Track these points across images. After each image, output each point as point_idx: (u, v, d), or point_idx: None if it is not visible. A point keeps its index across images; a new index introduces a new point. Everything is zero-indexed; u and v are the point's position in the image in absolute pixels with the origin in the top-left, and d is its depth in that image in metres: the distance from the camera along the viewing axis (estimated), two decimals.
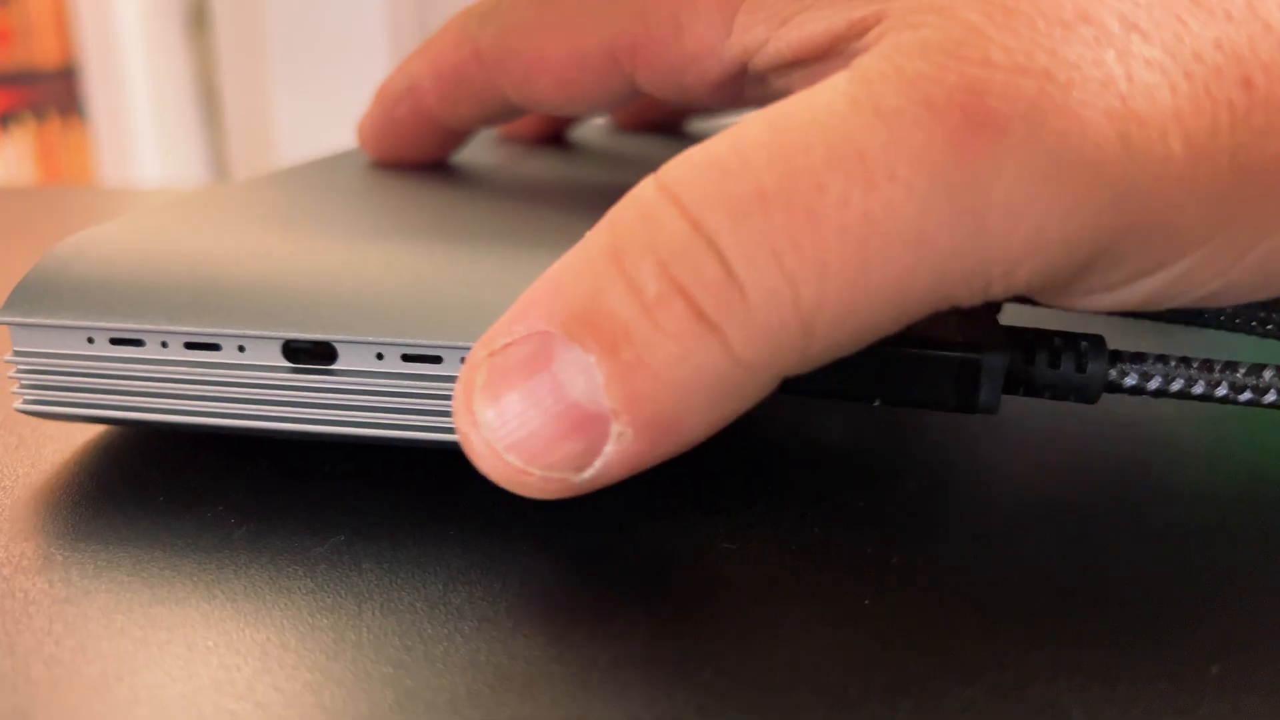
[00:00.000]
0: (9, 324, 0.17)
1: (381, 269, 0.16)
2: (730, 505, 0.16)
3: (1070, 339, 0.16)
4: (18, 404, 0.17)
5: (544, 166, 0.25)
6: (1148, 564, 0.15)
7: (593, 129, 0.31)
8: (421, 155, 0.24)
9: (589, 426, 0.13)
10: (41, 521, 0.16)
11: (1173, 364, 0.16)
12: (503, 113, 0.22)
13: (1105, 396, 0.16)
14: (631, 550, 0.15)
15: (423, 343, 0.16)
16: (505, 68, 0.20)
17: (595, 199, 0.20)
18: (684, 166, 0.13)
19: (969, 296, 0.13)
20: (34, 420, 0.20)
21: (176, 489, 0.17)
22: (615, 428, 0.13)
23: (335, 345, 0.16)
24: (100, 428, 0.19)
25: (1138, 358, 0.16)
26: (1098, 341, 0.16)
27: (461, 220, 0.19)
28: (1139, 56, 0.12)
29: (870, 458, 0.18)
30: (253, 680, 0.12)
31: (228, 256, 0.17)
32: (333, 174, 0.24)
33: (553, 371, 0.13)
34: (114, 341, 0.17)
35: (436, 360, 0.16)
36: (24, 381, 0.17)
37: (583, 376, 0.13)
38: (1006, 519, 0.16)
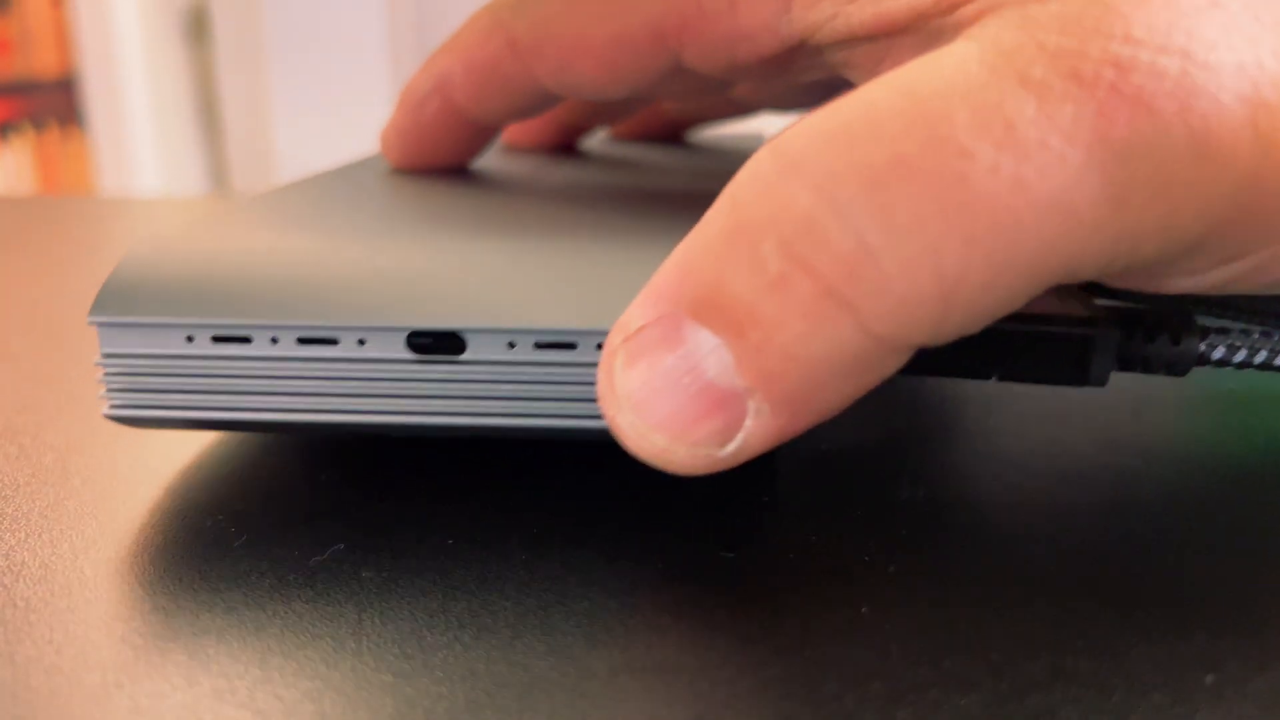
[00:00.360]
0: (101, 324, 0.16)
1: (507, 257, 0.16)
2: (728, 515, 0.16)
3: (1161, 315, 0.16)
4: (105, 409, 0.16)
5: (595, 169, 0.25)
6: (1143, 572, 0.15)
7: (598, 141, 0.32)
8: (448, 156, 0.24)
9: (726, 404, 0.13)
10: (41, 530, 0.16)
11: (1256, 336, 0.16)
12: (535, 104, 0.22)
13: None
14: (628, 560, 0.15)
15: (558, 328, 0.15)
16: (542, 54, 0.20)
17: (668, 194, 0.20)
18: (805, 137, 0.13)
19: (1093, 271, 0.13)
20: (33, 428, 0.20)
21: (175, 499, 0.17)
22: (752, 404, 0.13)
23: (465, 335, 0.16)
24: (99, 433, 0.19)
25: (1223, 331, 0.16)
26: (1187, 317, 0.16)
27: (555, 214, 0.19)
28: (1266, 45, 0.13)
29: (867, 466, 0.18)
30: (253, 689, 0.12)
31: (338, 248, 0.16)
32: (387, 176, 0.24)
33: (686, 352, 0.13)
34: (217, 339, 0.16)
35: (571, 346, 0.15)
36: (113, 385, 0.16)
37: (714, 357, 0.13)
38: (1003, 528, 0.16)
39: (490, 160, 0.26)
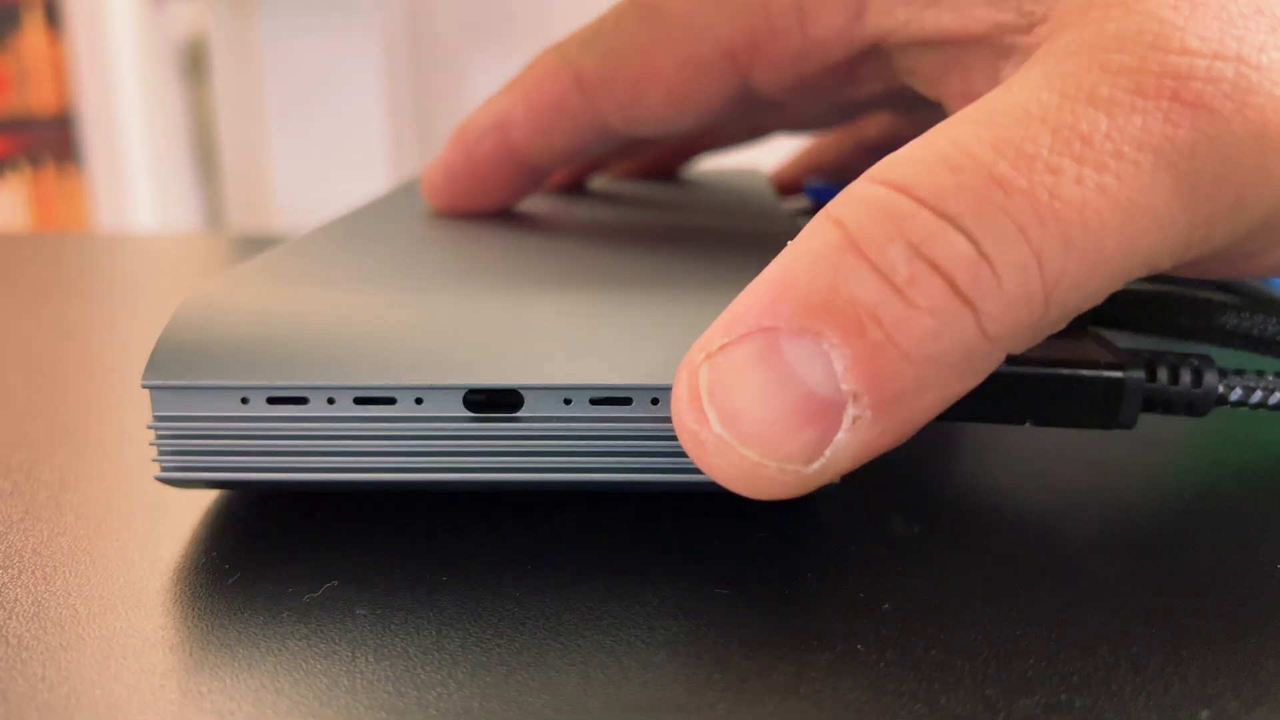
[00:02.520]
0: (155, 389, 0.16)
1: (560, 312, 0.16)
2: (723, 551, 0.16)
3: (1180, 356, 0.17)
4: (157, 473, 0.16)
5: (619, 209, 0.25)
6: (1137, 608, 0.15)
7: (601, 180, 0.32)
8: (493, 199, 0.24)
9: (823, 414, 0.13)
10: (34, 567, 0.16)
11: (1270, 378, 0.17)
12: (594, 144, 0.22)
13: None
14: (623, 597, 0.15)
15: (614, 385, 0.15)
16: (611, 89, 0.21)
17: (699, 235, 0.20)
18: (909, 165, 0.14)
19: (1169, 260, 0.14)
20: (27, 464, 0.20)
21: (168, 535, 0.17)
22: (851, 411, 0.13)
23: (522, 392, 0.16)
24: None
25: (1239, 373, 0.17)
26: (1206, 358, 0.17)
27: (599, 261, 0.19)
28: None
29: (860, 502, 0.18)
30: None
31: (391, 305, 0.16)
32: (427, 217, 0.24)
33: (785, 362, 0.13)
34: (272, 400, 0.16)
35: (626, 402, 0.16)
36: (164, 449, 0.16)
37: (819, 363, 0.13)
38: (996, 562, 0.16)
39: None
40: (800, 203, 0.31)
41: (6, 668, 0.13)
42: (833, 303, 0.13)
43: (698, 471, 0.16)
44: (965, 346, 0.13)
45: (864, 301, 0.13)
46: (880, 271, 0.13)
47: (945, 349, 0.13)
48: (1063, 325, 0.14)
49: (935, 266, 0.13)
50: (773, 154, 0.36)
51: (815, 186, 0.30)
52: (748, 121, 0.31)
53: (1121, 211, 0.13)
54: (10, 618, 0.14)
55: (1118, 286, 0.14)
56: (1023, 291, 0.13)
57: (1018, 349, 0.14)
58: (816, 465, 0.13)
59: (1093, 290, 0.14)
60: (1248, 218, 0.14)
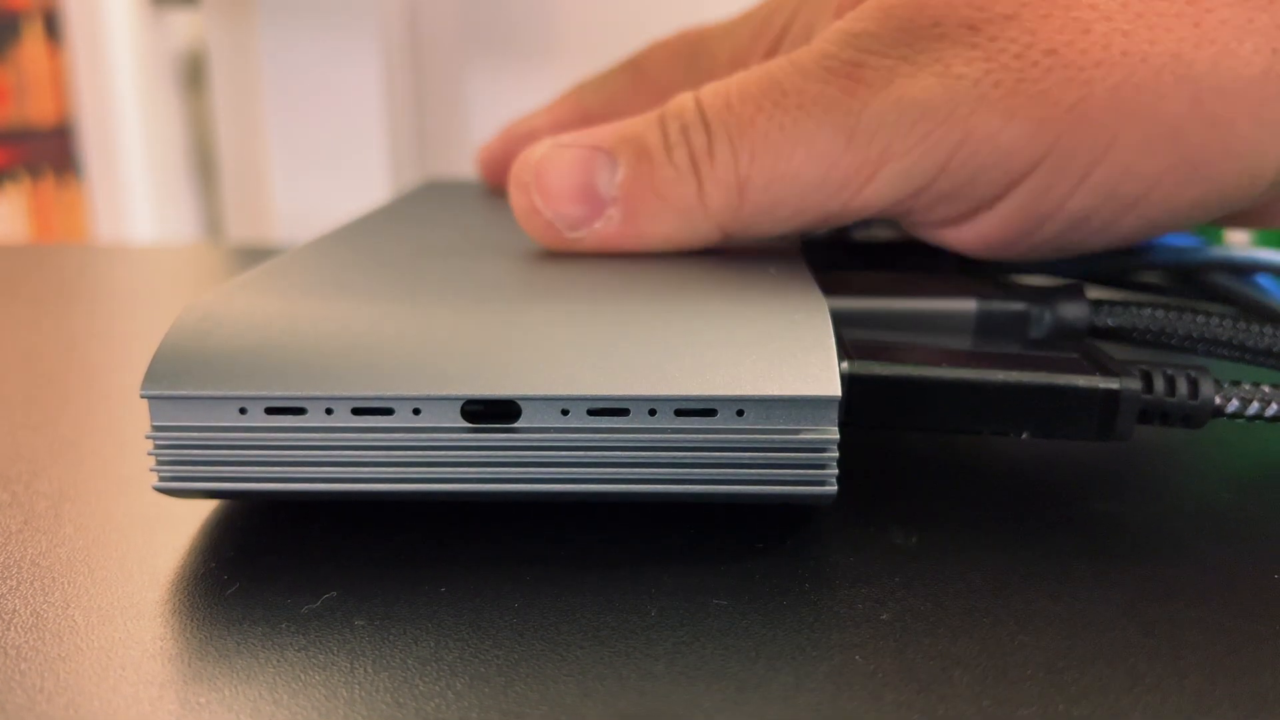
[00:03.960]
0: (153, 399, 0.16)
1: (557, 324, 0.16)
2: (722, 562, 0.16)
3: (1177, 367, 0.17)
4: (155, 483, 0.16)
5: None
6: (1135, 618, 0.15)
7: None
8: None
9: (593, 203, 0.20)
10: (32, 578, 0.16)
11: (1268, 389, 0.17)
12: None
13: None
14: (622, 608, 0.15)
15: (611, 395, 0.16)
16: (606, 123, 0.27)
17: (717, 253, 0.21)
18: (710, 89, 0.20)
19: (837, 192, 0.19)
20: (26, 476, 0.20)
21: (167, 546, 0.17)
22: (610, 212, 0.20)
23: (521, 403, 0.16)
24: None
25: (1236, 384, 0.17)
26: (1203, 369, 0.17)
27: (595, 272, 0.19)
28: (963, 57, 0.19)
29: (858, 513, 0.18)
30: None
31: (389, 315, 0.16)
32: (428, 225, 0.24)
33: (590, 165, 0.20)
34: (270, 411, 0.16)
35: (624, 413, 0.16)
36: (163, 459, 0.16)
37: (607, 172, 0.20)
38: (993, 573, 0.16)
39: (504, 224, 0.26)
40: None
41: (5, 678, 0.13)
42: (634, 141, 0.20)
43: (695, 482, 0.16)
44: (688, 202, 0.20)
45: (649, 147, 0.20)
46: (667, 136, 0.20)
47: (677, 196, 0.20)
48: (770, 229, 0.20)
49: (689, 146, 0.20)
50: None
51: None
52: None
53: (793, 142, 0.19)
54: (9, 628, 0.14)
55: (806, 209, 0.19)
56: (726, 179, 0.19)
57: (727, 225, 0.20)
58: (574, 234, 0.20)
59: (774, 199, 0.19)
60: (905, 178, 0.19)
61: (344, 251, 0.21)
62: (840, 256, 0.25)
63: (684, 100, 0.20)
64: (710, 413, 0.16)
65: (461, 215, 0.27)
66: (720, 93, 0.20)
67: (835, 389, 0.15)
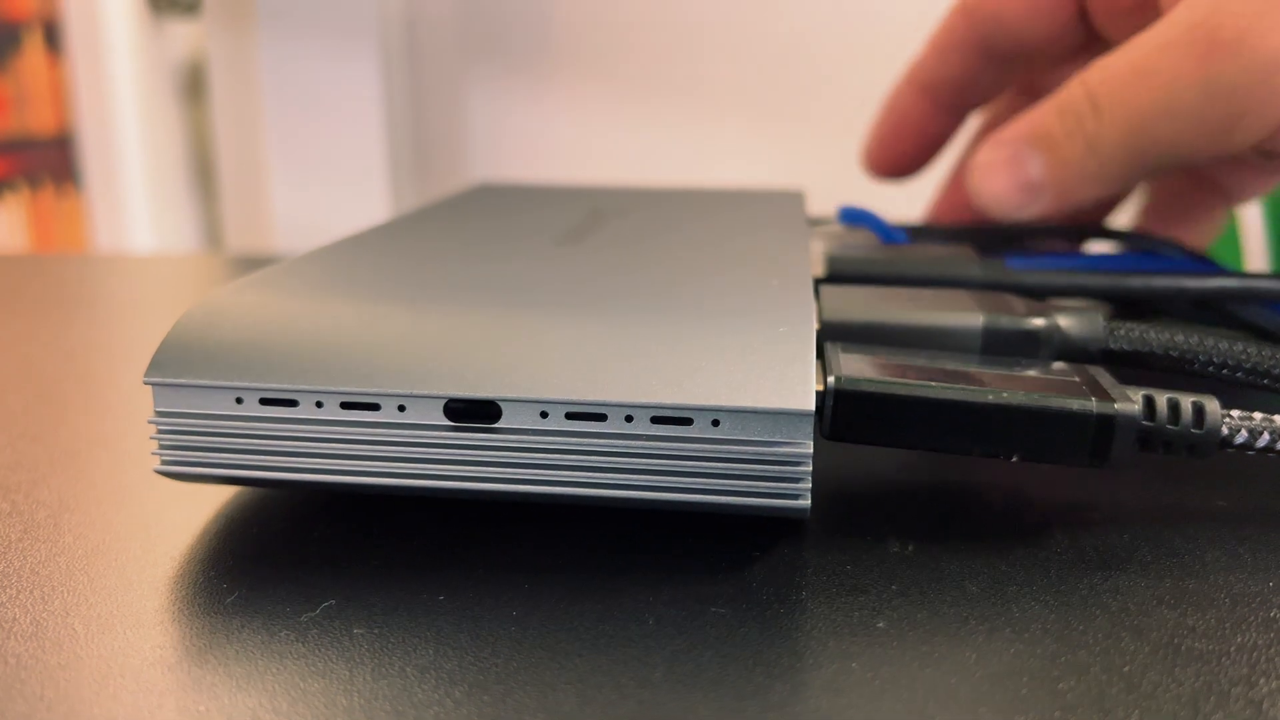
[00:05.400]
0: (155, 385, 0.17)
1: (541, 328, 0.16)
2: (719, 571, 0.16)
3: (1183, 394, 0.17)
4: (156, 465, 0.17)
5: (631, 228, 0.26)
6: (1134, 630, 0.15)
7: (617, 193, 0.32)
8: (916, 144, 0.33)
9: (1027, 187, 0.26)
10: (32, 587, 0.16)
11: (1279, 420, 0.17)
12: (979, 66, 0.31)
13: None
14: (620, 617, 0.15)
15: (589, 401, 0.16)
16: (984, 9, 0.30)
17: (713, 261, 0.21)
18: (1095, 69, 0.25)
19: (1190, 135, 0.23)
20: (26, 485, 0.20)
21: (166, 554, 0.17)
22: (1041, 195, 0.26)
23: (501, 404, 0.16)
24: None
25: (1247, 415, 0.17)
26: (1210, 397, 0.17)
27: (587, 279, 0.20)
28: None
29: (855, 522, 0.18)
30: None
31: (381, 316, 0.17)
32: (433, 235, 0.24)
33: (1021, 159, 0.26)
34: (264, 402, 0.16)
35: (601, 418, 0.16)
36: (164, 443, 0.17)
37: (1034, 163, 0.26)
38: (989, 582, 0.16)
39: (530, 217, 0.27)
40: (832, 226, 0.30)
41: (5, 687, 0.13)
42: (1045, 138, 0.25)
43: (671, 490, 0.16)
44: (1090, 171, 0.25)
45: (1055, 139, 0.25)
46: (1065, 126, 0.25)
47: (1084, 164, 0.25)
48: (1153, 173, 0.27)
49: (1084, 130, 0.25)
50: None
51: (848, 209, 0.29)
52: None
53: (1148, 91, 0.23)
54: (9, 637, 0.14)
55: (1173, 148, 0.24)
56: (1115, 154, 0.24)
57: (1123, 178, 0.25)
58: (1024, 212, 0.26)
59: (1156, 161, 0.24)
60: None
61: (342, 259, 0.22)
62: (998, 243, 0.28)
63: (1072, 88, 0.25)
64: (686, 421, 0.16)
65: (493, 218, 0.28)
66: (1099, 74, 0.24)
67: (810, 403, 0.15)
